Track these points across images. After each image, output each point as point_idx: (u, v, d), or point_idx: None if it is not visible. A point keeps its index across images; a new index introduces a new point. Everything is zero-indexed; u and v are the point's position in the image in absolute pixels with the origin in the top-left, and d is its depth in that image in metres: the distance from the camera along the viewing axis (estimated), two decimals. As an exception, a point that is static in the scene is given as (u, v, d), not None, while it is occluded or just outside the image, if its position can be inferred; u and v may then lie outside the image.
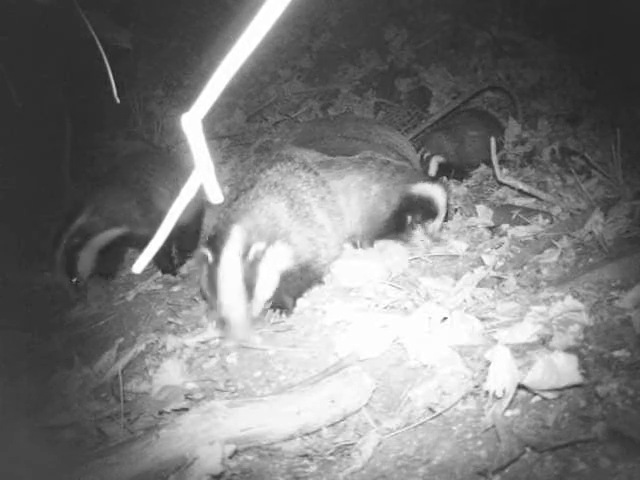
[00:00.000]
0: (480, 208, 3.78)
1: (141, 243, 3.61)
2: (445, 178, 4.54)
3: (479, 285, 2.80)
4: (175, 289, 3.61)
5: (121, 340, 2.98)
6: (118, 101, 2.20)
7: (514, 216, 3.62)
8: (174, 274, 3.85)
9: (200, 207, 4.05)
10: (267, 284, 2.60)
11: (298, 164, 3.05)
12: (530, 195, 3.85)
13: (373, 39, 6.54)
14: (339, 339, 2.49)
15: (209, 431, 1.96)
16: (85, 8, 2.04)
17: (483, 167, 4.64)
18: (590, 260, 2.86)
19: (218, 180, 0.84)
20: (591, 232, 3.00)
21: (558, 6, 4.62)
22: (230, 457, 1.96)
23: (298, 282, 2.84)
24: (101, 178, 3.91)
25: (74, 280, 3.50)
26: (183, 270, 3.89)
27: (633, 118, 3.79)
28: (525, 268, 3.02)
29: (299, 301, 2.92)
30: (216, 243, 2.55)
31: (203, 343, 2.76)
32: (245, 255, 2.51)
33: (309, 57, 6.81)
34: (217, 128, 6.06)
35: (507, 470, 1.68)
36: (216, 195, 0.84)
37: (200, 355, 2.69)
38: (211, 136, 5.79)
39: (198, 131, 0.79)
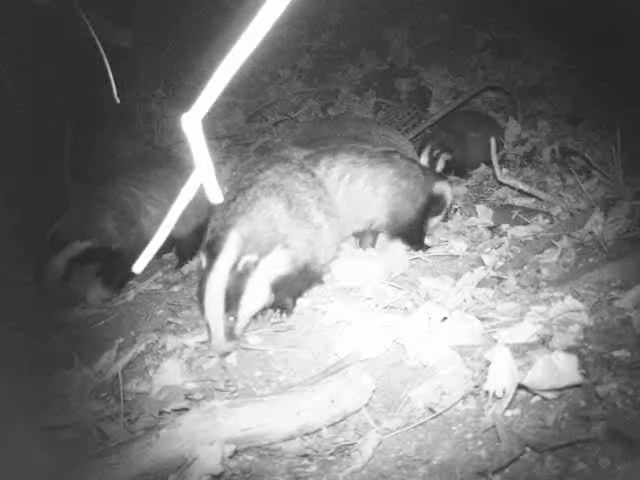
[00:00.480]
0: (480, 208, 3.78)
1: (116, 262, 3.52)
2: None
3: (479, 285, 2.80)
4: (175, 289, 3.61)
5: (121, 340, 2.97)
6: (118, 101, 2.20)
7: (514, 216, 3.62)
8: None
9: (202, 221, 3.78)
10: (253, 299, 2.57)
11: (296, 165, 3.05)
12: (530, 195, 3.85)
13: (373, 39, 6.55)
14: (339, 339, 2.49)
15: (209, 431, 1.96)
16: (85, 8, 2.04)
17: (483, 167, 4.65)
18: (590, 260, 2.86)
19: (218, 180, 0.84)
20: (591, 232, 3.01)
21: (558, 6, 4.61)
22: (230, 457, 1.95)
23: (298, 283, 2.85)
24: (90, 184, 3.83)
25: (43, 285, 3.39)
26: (183, 270, 3.90)
27: (633, 118, 3.79)
28: (525, 268, 3.02)
29: (299, 301, 2.92)
30: (212, 249, 2.57)
31: (203, 343, 2.75)
32: (235, 266, 2.49)
33: (309, 57, 6.81)
34: (217, 128, 6.06)
35: (507, 470, 1.68)
36: (216, 195, 0.84)
37: (200, 355, 2.69)
38: (211, 136, 5.79)
39: (198, 131, 0.79)
